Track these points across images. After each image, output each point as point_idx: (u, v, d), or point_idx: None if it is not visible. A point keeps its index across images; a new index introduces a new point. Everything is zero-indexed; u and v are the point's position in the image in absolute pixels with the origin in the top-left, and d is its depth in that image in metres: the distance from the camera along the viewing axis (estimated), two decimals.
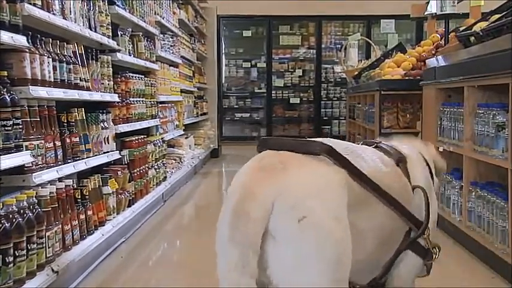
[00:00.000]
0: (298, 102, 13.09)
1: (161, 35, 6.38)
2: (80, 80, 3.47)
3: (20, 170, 2.69)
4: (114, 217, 3.97)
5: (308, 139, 1.69)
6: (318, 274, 1.44)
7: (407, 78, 6.17)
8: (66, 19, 3.32)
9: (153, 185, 5.34)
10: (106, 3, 4.16)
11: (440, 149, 4.09)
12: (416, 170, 1.92)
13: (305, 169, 1.53)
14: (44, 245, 2.76)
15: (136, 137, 4.84)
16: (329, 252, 1.45)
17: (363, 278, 1.83)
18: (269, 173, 1.49)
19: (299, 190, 1.47)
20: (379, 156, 1.85)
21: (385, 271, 1.84)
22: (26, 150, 2.68)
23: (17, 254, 2.48)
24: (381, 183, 1.70)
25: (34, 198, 2.72)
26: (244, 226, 1.43)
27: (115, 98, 4.22)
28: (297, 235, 1.43)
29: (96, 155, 3.71)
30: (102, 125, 3.88)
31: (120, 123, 4.36)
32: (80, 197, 3.34)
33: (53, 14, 3.14)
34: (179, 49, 7.48)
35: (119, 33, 4.58)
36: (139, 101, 4.98)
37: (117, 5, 4.44)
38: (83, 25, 3.64)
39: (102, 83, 3.97)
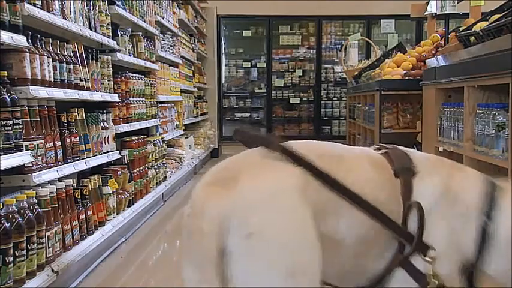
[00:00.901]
0: (298, 102, 13.08)
1: (161, 35, 6.39)
2: (80, 80, 3.47)
3: (20, 170, 2.69)
4: (114, 217, 3.98)
5: (276, 136, 1.63)
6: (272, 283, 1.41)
7: (407, 78, 6.18)
8: (66, 19, 3.32)
9: (153, 185, 5.34)
10: (106, 3, 4.16)
11: (441, 149, 4.09)
12: (425, 186, 1.63)
13: (256, 180, 1.48)
14: (44, 245, 2.77)
15: (136, 137, 4.84)
16: (281, 266, 1.41)
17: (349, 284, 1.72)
18: (220, 188, 1.48)
19: (246, 205, 1.43)
20: (371, 162, 1.67)
21: (374, 284, 1.68)
22: (26, 150, 2.68)
23: (17, 254, 2.48)
24: (360, 189, 1.55)
25: (34, 198, 2.72)
26: (197, 243, 1.44)
27: (115, 98, 4.22)
28: (246, 252, 1.41)
29: (96, 155, 3.71)
30: (102, 125, 3.89)
31: (120, 123, 4.36)
32: (80, 197, 3.34)
33: (53, 14, 3.14)
34: (179, 49, 7.48)
35: (118, 33, 4.58)
36: (139, 101, 4.98)
37: (117, 5, 4.44)
38: (83, 25, 3.64)
39: (102, 83, 3.97)
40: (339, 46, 12.13)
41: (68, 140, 3.24)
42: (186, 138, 7.59)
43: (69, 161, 3.24)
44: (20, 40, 2.64)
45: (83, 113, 3.56)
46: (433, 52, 5.94)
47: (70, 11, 3.41)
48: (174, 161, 6.63)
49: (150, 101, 5.42)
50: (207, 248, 1.42)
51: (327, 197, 1.53)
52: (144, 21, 5.39)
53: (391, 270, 1.63)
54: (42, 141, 2.89)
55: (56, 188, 3.01)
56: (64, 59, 3.24)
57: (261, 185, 1.48)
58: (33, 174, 2.75)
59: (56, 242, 2.92)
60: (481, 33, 3.64)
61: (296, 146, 1.59)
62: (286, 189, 1.48)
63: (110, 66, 4.15)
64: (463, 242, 1.62)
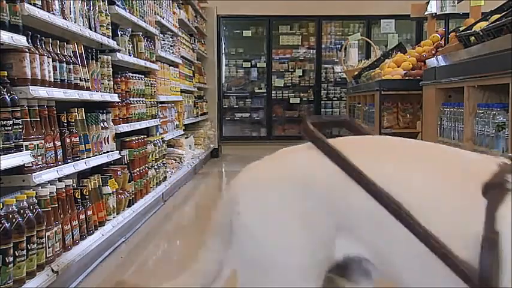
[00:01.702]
0: (298, 102, 13.09)
1: (161, 35, 6.39)
2: (80, 80, 3.47)
3: (20, 170, 2.69)
4: (114, 217, 3.97)
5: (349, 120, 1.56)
6: (243, 273, 1.41)
7: (407, 78, 6.18)
8: (66, 19, 3.32)
9: (153, 185, 5.34)
10: (106, 3, 4.16)
11: None
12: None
13: (268, 164, 1.47)
14: (44, 245, 2.76)
15: (136, 137, 4.84)
16: (249, 252, 1.39)
17: None
18: (245, 170, 1.51)
19: (241, 187, 1.45)
20: (454, 171, 1.27)
21: None
22: (26, 150, 2.68)
23: (17, 254, 2.48)
24: (403, 196, 1.23)
25: (34, 198, 2.72)
26: (214, 215, 1.52)
27: (115, 98, 4.22)
28: (233, 231, 1.44)
29: (96, 155, 3.71)
30: (102, 125, 3.89)
31: (120, 123, 4.36)
32: (80, 197, 3.34)
33: (53, 14, 3.14)
34: (179, 49, 7.48)
35: (118, 33, 4.58)
36: (139, 101, 4.98)
37: (117, 5, 4.44)
38: (83, 25, 3.64)
39: (102, 83, 3.97)
40: (339, 46, 12.14)
41: (68, 140, 3.24)
42: (186, 138, 7.59)
43: (69, 161, 3.24)
44: (20, 40, 2.64)
45: (83, 113, 3.56)
46: (433, 52, 5.94)
47: (70, 11, 3.41)
48: (174, 161, 6.63)
49: (150, 101, 5.42)
50: (216, 220, 1.49)
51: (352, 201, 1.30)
52: (144, 21, 5.39)
53: None
54: (42, 141, 2.89)
55: (56, 188, 3.01)
56: (64, 59, 3.24)
57: (267, 168, 1.46)
58: (33, 174, 2.75)
59: (56, 242, 2.92)
60: (481, 33, 3.64)
61: (351, 140, 1.45)
62: (278, 178, 1.40)
63: (110, 66, 4.15)
64: None
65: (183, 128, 7.59)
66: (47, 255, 2.80)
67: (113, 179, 4.02)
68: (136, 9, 5.16)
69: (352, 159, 1.31)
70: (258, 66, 13.15)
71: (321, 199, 1.33)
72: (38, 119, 2.88)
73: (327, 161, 1.34)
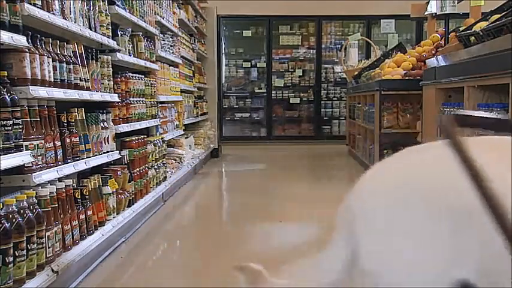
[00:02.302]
0: (298, 102, 13.09)
1: (161, 35, 6.39)
2: (80, 80, 3.47)
3: (20, 170, 2.69)
4: (114, 217, 3.97)
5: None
6: None
7: (407, 78, 6.19)
8: (66, 19, 3.32)
9: (153, 185, 5.34)
10: (106, 3, 4.16)
11: None
12: None
13: (374, 169, 1.32)
14: (44, 245, 2.77)
15: (136, 137, 4.84)
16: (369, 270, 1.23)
17: None
18: (366, 174, 1.37)
19: (353, 192, 1.31)
20: None
21: None
22: (26, 150, 2.68)
23: (17, 254, 2.48)
24: None
25: (34, 198, 2.72)
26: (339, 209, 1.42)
27: (115, 98, 4.22)
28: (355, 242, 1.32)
29: (96, 155, 3.71)
30: (102, 125, 3.89)
31: (120, 123, 4.36)
32: (80, 197, 3.34)
33: (53, 14, 3.14)
34: (179, 49, 7.48)
35: (118, 33, 4.58)
36: (139, 101, 4.98)
37: (117, 5, 4.44)
38: (83, 25, 3.64)
39: (102, 83, 3.97)
40: (339, 46, 12.15)
41: (68, 140, 3.24)
42: (186, 138, 7.59)
43: (69, 161, 3.24)
44: (20, 40, 2.64)
45: (83, 113, 3.56)
46: (433, 52, 5.95)
47: (70, 11, 3.41)
48: (174, 161, 6.63)
49: (150, 101, 5.42)
50: (339, 219, 1.31)
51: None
52: (144, 21, 5.39)
53: None
54: (42, 141, 2.89)
55: (56, 188, 3.01)
56: (64, 59, 3.24)
57: (382, 172, 1.30)
58: (33, 174, 2.75)
59: (56, 242, 2.92)
60: (481, 33, 3.64)
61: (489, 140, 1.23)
62: (395, 189, 1.21)
63: (110, 66, 4.15)
64: None
65: (183, 128, 7.59)
66: (47, 255, 2.80)
67: (113, 179, 4.02)
68: (136, 9, 5.16)
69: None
70: (258, 66, 13.15)
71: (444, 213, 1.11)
72: (38, 119, 2.88)
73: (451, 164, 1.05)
